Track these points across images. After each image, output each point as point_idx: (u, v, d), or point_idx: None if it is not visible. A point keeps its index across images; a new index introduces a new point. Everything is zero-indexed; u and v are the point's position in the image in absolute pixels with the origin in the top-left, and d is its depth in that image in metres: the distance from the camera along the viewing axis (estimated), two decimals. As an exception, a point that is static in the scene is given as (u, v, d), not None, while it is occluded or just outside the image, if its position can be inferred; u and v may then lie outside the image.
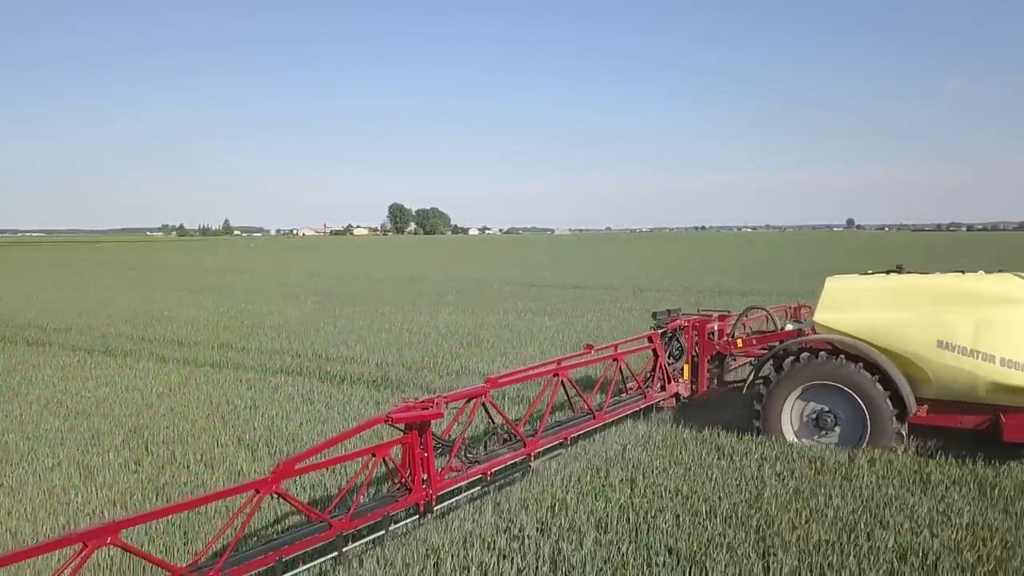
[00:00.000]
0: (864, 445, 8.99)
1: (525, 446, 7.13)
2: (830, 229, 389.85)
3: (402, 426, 5.80)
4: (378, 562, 5.25)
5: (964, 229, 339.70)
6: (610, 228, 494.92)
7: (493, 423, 7.14)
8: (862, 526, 6.27)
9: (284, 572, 4.83)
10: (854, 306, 9.66)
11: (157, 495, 7.22)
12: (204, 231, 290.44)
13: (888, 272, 10.11)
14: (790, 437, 9.50)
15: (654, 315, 11.26)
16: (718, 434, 9.44)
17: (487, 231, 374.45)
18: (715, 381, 11.00)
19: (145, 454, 8.59)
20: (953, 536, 6.03)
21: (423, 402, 6.01)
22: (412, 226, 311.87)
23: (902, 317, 9.26)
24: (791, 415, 9.60)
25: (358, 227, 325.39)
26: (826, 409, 9.37)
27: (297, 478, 6.59)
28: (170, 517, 6.02)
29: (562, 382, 7.95)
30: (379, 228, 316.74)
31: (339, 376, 12.98)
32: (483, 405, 6.86)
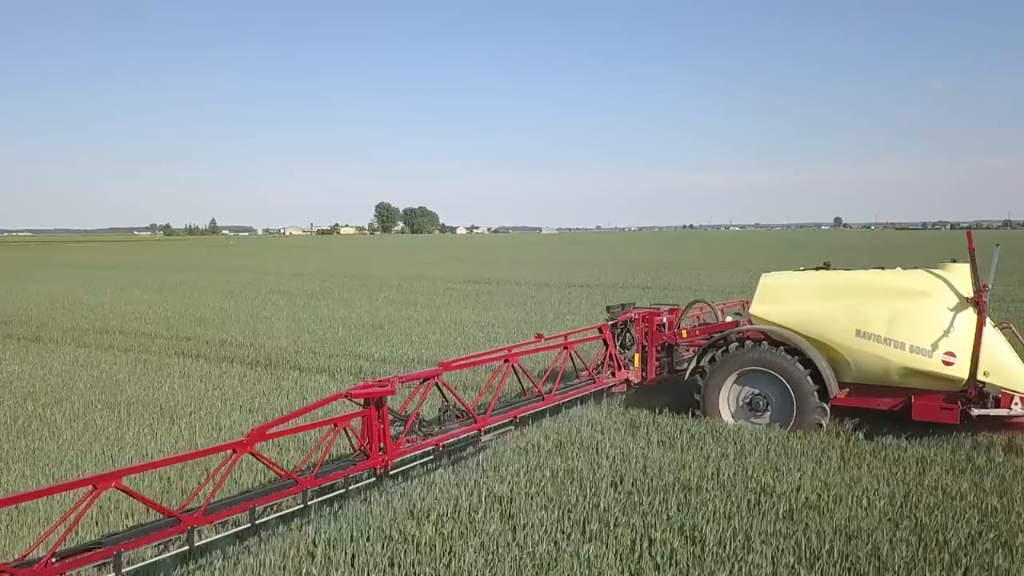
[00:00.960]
0: (792, 425, 9.94)
1: (476, 422, 8.01)
2: (818, 228, 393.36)
3: (361, 401, 6.67)
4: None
5: (948, 227, 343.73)
6: (600, 227, 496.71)
7: (446, 401, 8.02)
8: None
9: (256, 520, 5.69)
10: (785, 299, 10.63)
11: (19, 437, 9.19)
12: (191, 230, 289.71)
13: (817, 268, 11.09)
14: (727, 419, 10.44)
15: (608, 308, 12.20)
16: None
17: (476, 230, 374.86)
18: (665, 369, 11.90)
19: (23, 410, 10.65)
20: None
21: (380, 381, 6.89)
22: (400, 225, 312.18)
23: (826, 309, 10.24)
24: (728, 399, 10.55)
25: (345, 227, 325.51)
26: (758, 393, 10.33)
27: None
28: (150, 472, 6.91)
29: (513, 367, 8.84)
30: (367, 227, 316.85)
31: (227, 358, 15.00)
32: (436, 385, 7.74)
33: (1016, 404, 9.31)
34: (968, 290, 9.57)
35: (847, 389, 10.17)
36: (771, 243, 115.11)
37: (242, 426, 9.29)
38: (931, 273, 9.95)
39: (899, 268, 10.54)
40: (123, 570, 4.66)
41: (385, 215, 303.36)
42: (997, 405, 9.36)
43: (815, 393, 9.89)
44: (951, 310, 9.56)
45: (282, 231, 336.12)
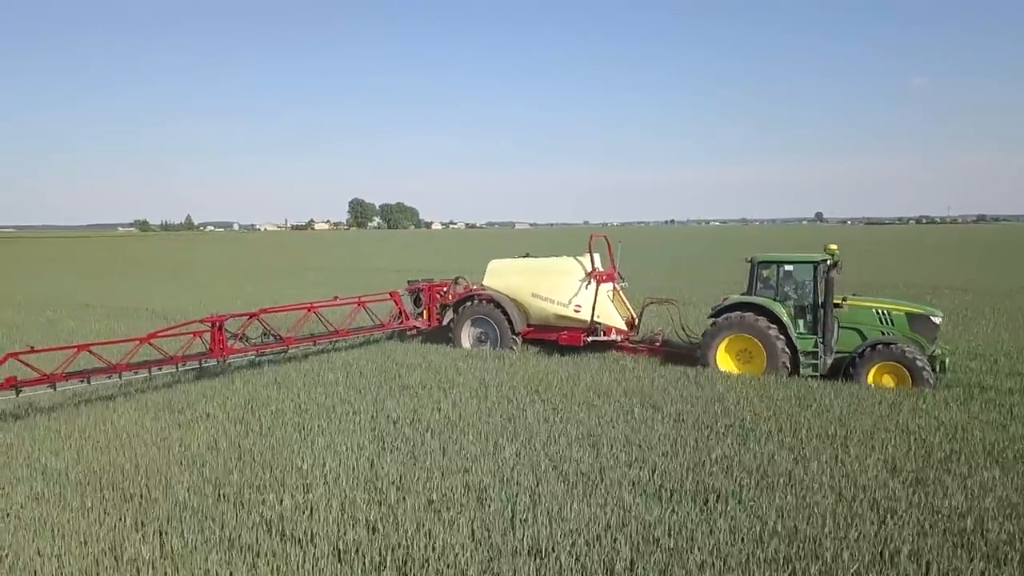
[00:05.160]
0: (499, 347, 16.65)
1: (284, 342, 14.62)
2: (800, 223, 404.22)
3: (209, 324, 13.26)
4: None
5: (914, 222, 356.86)
6: (588, 222, 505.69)
7: (268, 330, 14.61)
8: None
9: (152, 374, 12.33)
10: (500, 275, 17.42)
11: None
12: (166, 226, 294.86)
13: (522, 256, 17.88)
14: (467, 346, 17.14)
15: (408, 281, 18.90)
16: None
17: (452, 226, 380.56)
18: (447, 321, 18.56)
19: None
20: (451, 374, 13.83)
21: (220, 315, 13.51)
22: (376, 221, 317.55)
23: (520, 281, 17.02)
24: (467, 334, 17.28)
25: (323, 222, 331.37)
26: (483, 331, 17.08)
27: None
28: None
29: (314, 313, 15.46)
30: (344, 223, 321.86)
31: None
32: (259, 320, 14.36)
33: (612, 334, 16.14)
34: (589, 269, 16.35)
35: (532, 328, 16.94)
36: (712, 237, 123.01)
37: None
38: (575, 259, 16.71)
39: (565, 256, 17.25)
40: (92, 383, 11.37)
41: (359, 211, 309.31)
42: (602, 334, 16.17)
43: (510, 330, 16.66)
44: (581, 281, 16.34)
45: (258, 227, 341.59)
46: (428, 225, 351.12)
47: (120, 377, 11.92)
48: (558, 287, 16.57)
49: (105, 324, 21.12)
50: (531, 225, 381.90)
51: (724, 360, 14.47)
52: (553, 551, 6.51)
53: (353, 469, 8.64)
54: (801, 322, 14.27)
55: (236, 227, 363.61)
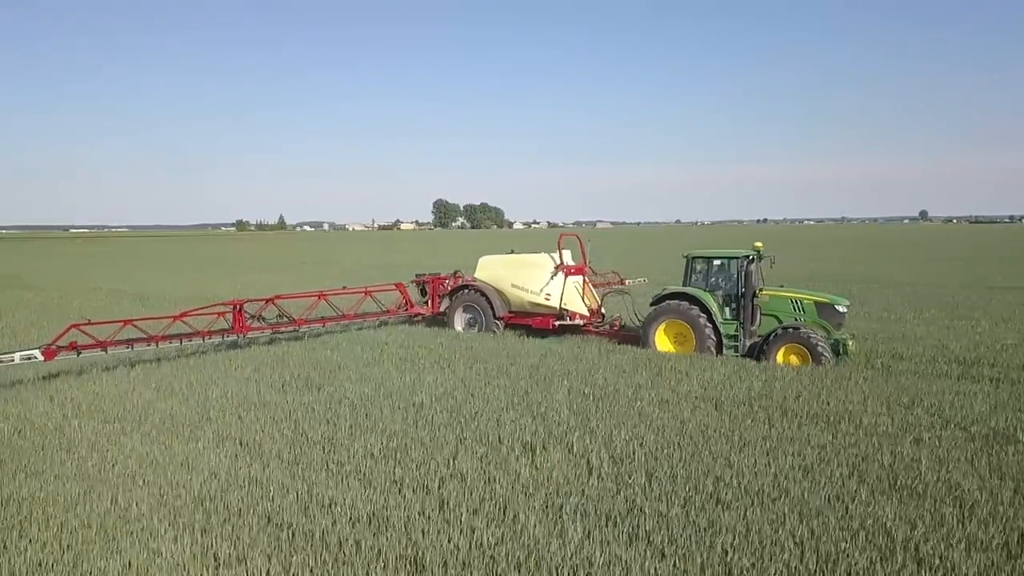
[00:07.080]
0: (484, 330, 19.38)
1: (295, 323, 17.71)
2: (901, 221, 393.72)
3: (230, 307, 16.44)
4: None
5: (1020, 221, 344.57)
6: (679, 221, 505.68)
7: (281, 312, 17.73)
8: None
9: (182, 344, 15.56)
10: (488, 268, 20.18)
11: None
12: (260, 226, 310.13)
13: (508, 252, 20.56)
14: (460, 329, 19.94)
15: (416, 275, 21.87)
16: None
17: (535, 225, 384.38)
18: (444, 309, 21.38)
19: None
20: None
21: (242, 299, 16.67)
22: (460, 220, 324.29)
23: (503, 273, 19.74)
24: (460, 319, 20.08)
25: (408, 222, 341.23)
26: (471, 316, 19.87)
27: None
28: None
29: (325, 299, 18.51)
30: (429, 223, 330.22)
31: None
32: (274, 304, 17.48)
33: (577, 319, 18.67)
34: (557, 262, 18.91)
35: (512, 313, 19.62)
36: (799, 237, 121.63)
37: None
38: (548, 255, 19.29)
39: (543, 253, 19.83)
40: (135, 349, 14.67)
41: (443, 211, 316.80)
42: (568, 319, 18.71)
43: (493, 315, 19.38)
44: (551, 273, 18.93)
45: (347, 227, 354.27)
46: (510, 225, 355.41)
47: (157, 346, 15.19)
48: (532, 278, 19.19)
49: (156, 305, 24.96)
50: (612, 224, 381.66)
51: (662, 341, 16.78)
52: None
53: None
54: (727, 309, 16.44)
55: (326, 227, 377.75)
